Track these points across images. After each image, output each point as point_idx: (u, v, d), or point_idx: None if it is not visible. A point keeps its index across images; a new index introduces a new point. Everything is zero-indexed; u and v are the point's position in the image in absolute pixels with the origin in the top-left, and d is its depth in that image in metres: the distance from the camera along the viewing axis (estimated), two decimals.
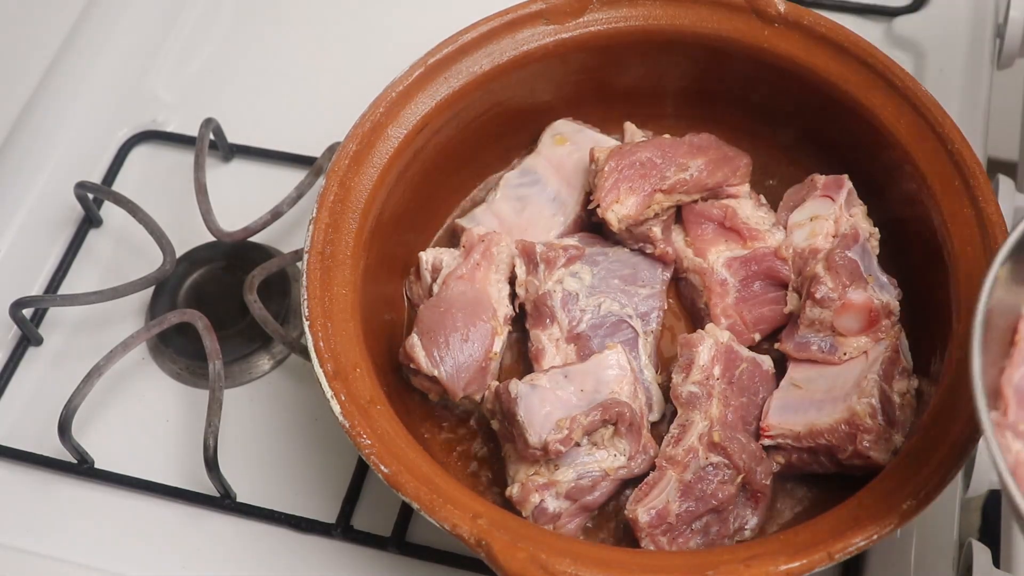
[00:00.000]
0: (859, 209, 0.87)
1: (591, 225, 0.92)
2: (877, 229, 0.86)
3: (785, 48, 0.87)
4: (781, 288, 0.86)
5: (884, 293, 0.82)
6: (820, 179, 0.87)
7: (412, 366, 0.82)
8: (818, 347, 0.82)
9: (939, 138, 0.81)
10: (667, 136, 0.90)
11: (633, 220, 0.86)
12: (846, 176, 0.87)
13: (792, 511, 0.80)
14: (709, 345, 0.81)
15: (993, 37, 1.06)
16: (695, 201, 0.89)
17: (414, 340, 0.82)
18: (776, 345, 0.84)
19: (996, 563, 0.80)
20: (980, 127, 1.00)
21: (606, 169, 0.86)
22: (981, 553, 0.79)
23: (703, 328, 0.84)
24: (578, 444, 0.78)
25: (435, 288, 0.87)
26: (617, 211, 0.86)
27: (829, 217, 0.85)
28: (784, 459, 0.79)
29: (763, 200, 0.91)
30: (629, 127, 0.92)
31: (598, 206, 0.86)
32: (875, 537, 0.67)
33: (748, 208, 0.89)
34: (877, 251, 0.85)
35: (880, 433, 0.75)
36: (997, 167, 1.00)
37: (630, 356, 0.83)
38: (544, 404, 0.79)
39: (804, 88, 0.88)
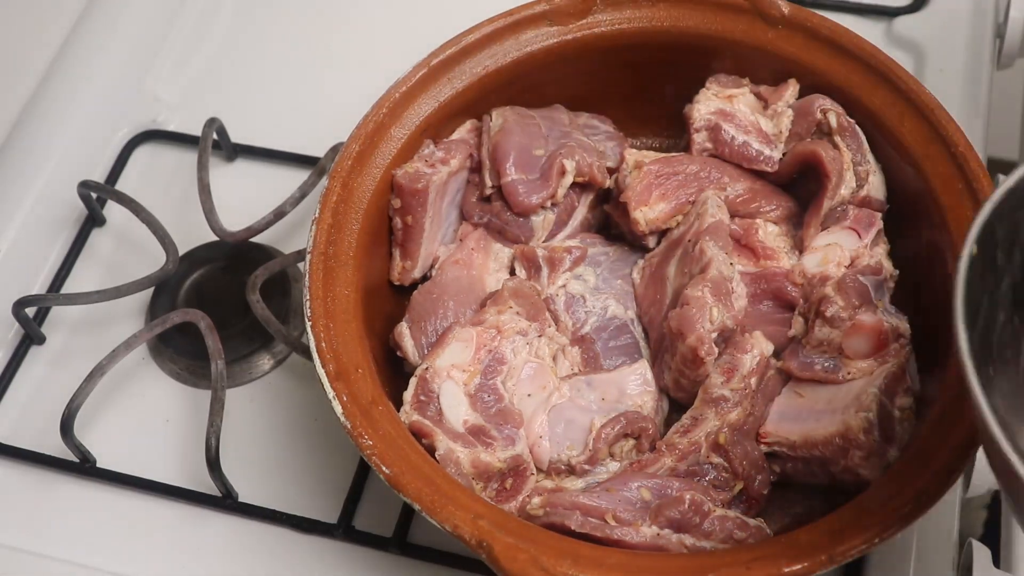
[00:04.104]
0: (882, 248, 0.85)
1: (592, 225, 0.92)
2: (897, 272, 0.84)
3: (789, 50, 0.87)
4: (788, 311, 0.84)
5: (894, 317, 0.80)
6: (852, 209, 0.85)
7: (399, 354, 0.83)
8: (822, 367, 0.80)
9: (942, 141, 0.81)
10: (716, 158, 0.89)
11: (658, 226, 0.86)
12: (879, 215, 0.85)
13: (793, 514, 0.80)
14: (755, 355, 0.81)
15: (993, 37, 1.07)
16: None
17: (403, 327, 0.83)
18: (779, 364, 0.83)
19: (996, 563, 0.80)
20: (980, 127, 1.00)
21: (644, 171, 0.86)
22: (981, 553, 0.79)
23: None
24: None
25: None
26: (646, 213, 0.86)
27: (847, 249, 0.83)
28: (779, 468, 0.79)
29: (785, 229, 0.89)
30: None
31: (622, 203, 0.86)
32: (876, 540, 0.67)
33: (769, 228, 0.87)
34: (891, 291, 0.83)
35: (872, 450, 0.74)
36: (997, 167, 0.99)
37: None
38: (559, 421, 0.80)
39: (807, 89, 0.88)
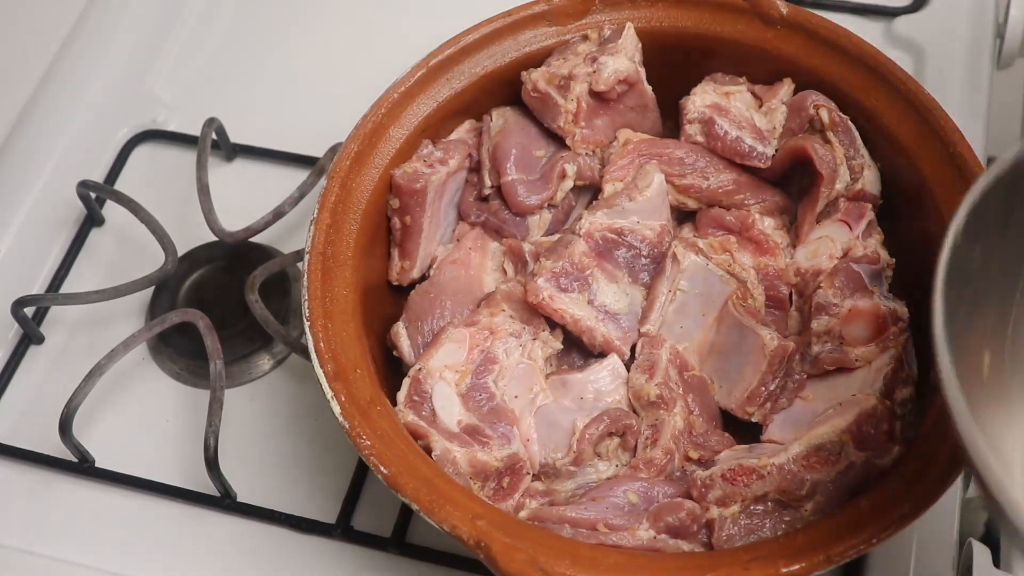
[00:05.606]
0: (876, 238, 0.85)
1: None
2: (893, 260, 0.84)
3: (787, 50, 0.87)
4: (780, 311, 0.84)
5: (891, 300, 0.81)
6: (843, 202, 0.85)
7: (395, 354, 0.82)
8: (827, 354, 0.80)
9: (941, 141, 0.81)
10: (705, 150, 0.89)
11: None
12: (869, 206, 0.85)
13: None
14: (667, 347, 0.81)
15: (993, 37, 1.07)
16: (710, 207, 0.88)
17: (399, 327, 0.83)
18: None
19: (996, 563, 0.80)
20: (980, 127, 1.00)
21: (630, 147, 0.86)
22: (981, 553, 0.79)
23: None
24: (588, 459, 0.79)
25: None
26: (616, 186, 0.86)
27: (838, 241, 0.84)
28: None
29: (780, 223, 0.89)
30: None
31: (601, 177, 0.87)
32: (874, 541, 0.67)
33: (766, 221, 0.87)
34: (890, 279, 0.84)
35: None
36: None
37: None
38: (544, 423, 0.80)
39: (805, 89, 0.87)
